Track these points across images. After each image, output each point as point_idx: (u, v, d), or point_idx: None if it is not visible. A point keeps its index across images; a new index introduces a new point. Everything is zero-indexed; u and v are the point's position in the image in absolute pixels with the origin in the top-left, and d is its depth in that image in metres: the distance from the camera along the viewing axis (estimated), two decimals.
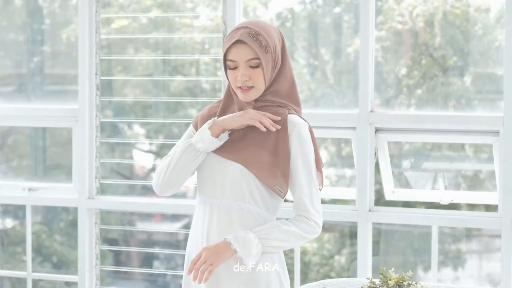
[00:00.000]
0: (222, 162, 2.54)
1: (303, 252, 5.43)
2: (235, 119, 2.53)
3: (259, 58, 2.50)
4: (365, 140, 3.70)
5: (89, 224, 4.11)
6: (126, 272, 4.84)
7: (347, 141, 4.52)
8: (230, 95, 2.62)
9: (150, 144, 5.16)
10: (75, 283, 4.26)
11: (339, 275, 5.31)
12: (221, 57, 2.87)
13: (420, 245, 4.82)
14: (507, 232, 3.54)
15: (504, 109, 3.52)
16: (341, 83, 4.24)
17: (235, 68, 2.53)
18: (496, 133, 3.57)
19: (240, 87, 2.53)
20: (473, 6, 4.12)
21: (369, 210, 3.72)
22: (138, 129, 5.06)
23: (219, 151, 2.55)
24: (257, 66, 2.51)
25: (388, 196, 3.85)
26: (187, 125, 3.64)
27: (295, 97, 2.61)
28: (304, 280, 5.07)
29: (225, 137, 2.54)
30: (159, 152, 5.09)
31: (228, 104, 2.62)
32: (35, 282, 4.49)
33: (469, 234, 5.15)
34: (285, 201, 2.61)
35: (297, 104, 2.61)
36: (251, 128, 2.54)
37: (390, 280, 2.70)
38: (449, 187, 3.94)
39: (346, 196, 4.03)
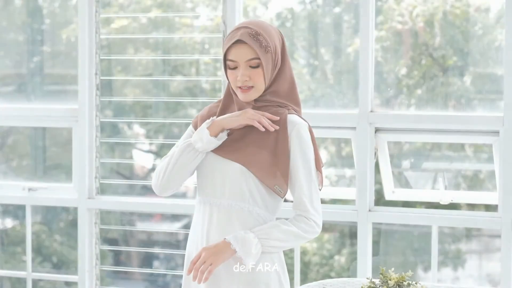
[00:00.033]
0: (222, 162, 2.54)
1: (303, 252, 5.43)
2: (234, 119, 2.53)
3: (259, 58, 2.50)
4: (365, 140, 3.70)
5: (89, 224, 4.11)
6: (126, 272, 4.84)
7: (347, 141, 4.52)
8: (229, 95, 2.62)
9: (150, 144, 5.17)
10: (75, 283, 4.26)
11: (339, 275, 5.31)
12: (221, 57, 2.87)
13: (420, 245, 4.82)
14: (507, 232, 3.54)
15: (504, 109, 3.52)
16: (341, 83, 4.24)
17: (235, 68, 2.53)
18: (496, 133, 3.57)
19: (240, 87, 2.53)
20: (473, 6, 4.12)
21: (369, 210, 3.72)
22: (138, 129, 5.07)
23: (219, 151, 2.55)
24: (257, 66, 2.51)
25: (388, 196, 3.85)
26: (187, 125, 3.63)
27: (295, 97, 2.61)
28: (304, 280, 5.07)
29: (223, 136, 2.54)
30: (159, 152, 5.09)
31: (227, 104, 2.62)
32: (35, 282, 4.49)
33: (469, 234, 5.15)
34: (285, 201, 2.61)
35: (297, 104, 2.61)
36: (250, 128, 2.54)
37: (390, 280, 2.70)
38: (449, 187, 3.94)
39: (346, 196, 4.03)
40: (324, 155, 4.94)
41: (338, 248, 5.45)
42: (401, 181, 4.14)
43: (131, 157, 5.00)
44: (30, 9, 4.58)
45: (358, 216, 3.72)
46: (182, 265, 3.94)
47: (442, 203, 3.75)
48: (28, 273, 4.29)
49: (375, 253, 4.03)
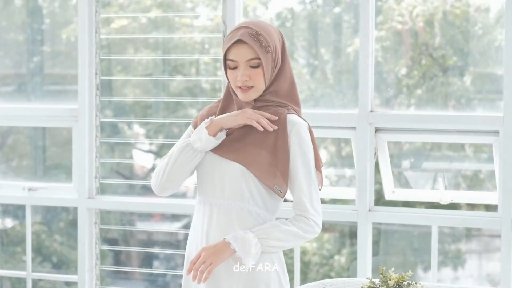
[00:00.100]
0: (222, 162, 2.54)
1: (303, 252, 5.43)
2: (232, 118, 2.53)
3: (259, 58, 2.50)
4: (365, 140, 3.70)
5: (89, 224, 4.11)
6: (126, 272, 4.84)
7: (347, 141, 4.52)
8: (229, 95, 2.62)
9: (150, 144, 5.17)
10: (75, 283, 4.26)
11: (339, 275, 5.31)
12: (221, 57, 2.87)
13: (420, 245, 4.82)
14: (507, 232, 3.54)
15: (504, 109, 3.52)
16: (341, 83, 4.24)
17: (235, 68, 2.53)
18: (496, 133, 3.57)
19: (240, 87, 2.53)
20: (473, 6, 4.12)
21: (369, 210, 3.71)
22: (138, 129, 5.07)
23: (218, 150, 2.55)
24: (257, 66, 2.51)
25: (388, 196, 3.85)
26: (187, 125, 3.63)
27: (295, 97, 2.61)
28: (304, 280, 5.07)
29: (222, 136, 2.54)
30: (159, 152, 5.09)
31: (227, 104, 2.62)
32: (35, 282, 4.49)
33: (469, 234, 5.15)
34: (285, 201, 2.61)
35: (296, 104, 2.61)
36: (250, 128, 2.54)
37: (390, 280, 2.70)
38: (449, 187, 3.94)
39: (346, 196, 4.03)
40: (324, 155, 4.94)
41: (338, 248, 5.45)
42: (401, 181, 4.14)
43: (131, 157, 5.00)
44: (30, 9, 4.58)
45: (358, 216, 3.72)
46: (182, 265, 3.94)
47: (442, 203, 3.74)
48: (28, 273, 4.29)
49: (375, 253, 4.03)
